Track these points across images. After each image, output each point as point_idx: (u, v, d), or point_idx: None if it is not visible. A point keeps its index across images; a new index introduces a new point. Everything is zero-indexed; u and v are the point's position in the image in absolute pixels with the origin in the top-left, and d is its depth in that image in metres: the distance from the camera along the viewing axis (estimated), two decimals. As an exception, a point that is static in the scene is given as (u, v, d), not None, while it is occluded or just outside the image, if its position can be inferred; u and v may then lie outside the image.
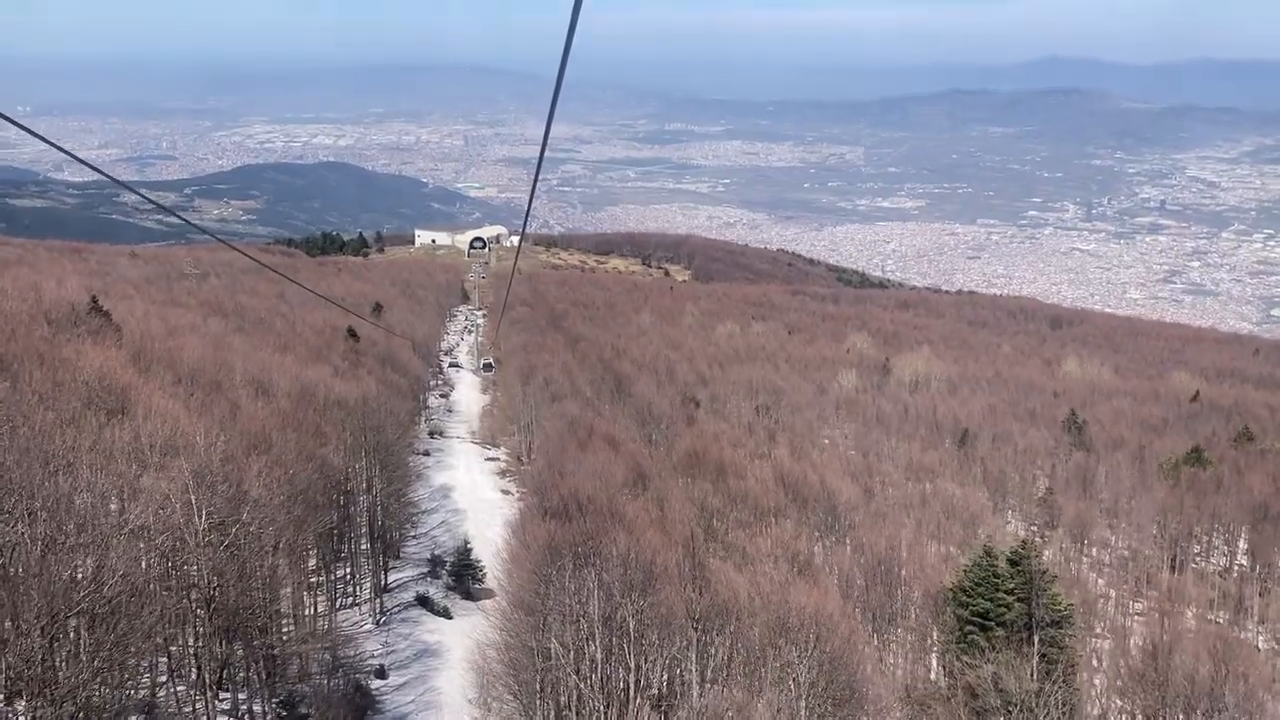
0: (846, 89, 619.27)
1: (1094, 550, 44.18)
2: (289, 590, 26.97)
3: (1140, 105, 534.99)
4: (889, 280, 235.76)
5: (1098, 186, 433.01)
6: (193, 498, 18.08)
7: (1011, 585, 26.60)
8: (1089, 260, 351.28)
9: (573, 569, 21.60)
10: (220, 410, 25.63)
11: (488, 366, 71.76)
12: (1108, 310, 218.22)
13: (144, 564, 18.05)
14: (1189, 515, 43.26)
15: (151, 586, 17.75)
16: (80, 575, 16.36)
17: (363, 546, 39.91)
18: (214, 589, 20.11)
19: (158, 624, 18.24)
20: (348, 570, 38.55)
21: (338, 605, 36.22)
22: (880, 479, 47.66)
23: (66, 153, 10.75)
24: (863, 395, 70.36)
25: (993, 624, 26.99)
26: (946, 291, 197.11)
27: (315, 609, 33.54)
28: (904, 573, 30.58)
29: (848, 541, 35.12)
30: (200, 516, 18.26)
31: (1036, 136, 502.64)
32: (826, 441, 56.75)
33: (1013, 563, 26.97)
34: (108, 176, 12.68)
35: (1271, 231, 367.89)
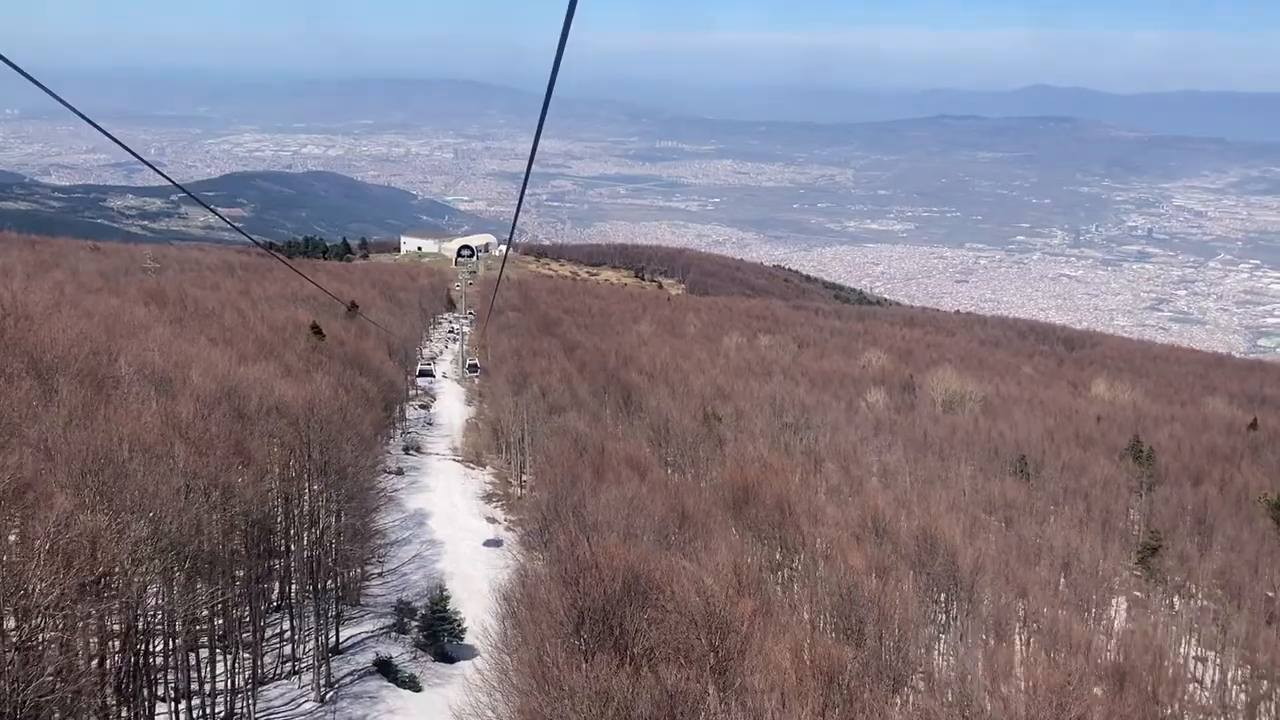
0: (837, 112, 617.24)
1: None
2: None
3: (1128, 134, 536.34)
4: (885, 299, 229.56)
5: (1085, 213, 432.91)
6: None
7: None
8: (1076, 286, 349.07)
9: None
10: (67, 409, 17.15)
11: (473, 368, 63.21)
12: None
13: None
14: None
15: None
16: None
17: (308, 593, 31.41)
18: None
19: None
20: (287, 625, 29.91)
21: (269, 675, 27.58)
22: (969, 518, 39.59)
23: (130, 151, 9.76)
24: (899, 416, 62.46)
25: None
26: (942, 311, 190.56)
27: (232, 682, 24.89)
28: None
29: (980, 614, 26.71)
30: None
31: (1025, 163, 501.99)
32: (876, 468, 48.81)
33: None
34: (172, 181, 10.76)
35: (1258, 262, 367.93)
